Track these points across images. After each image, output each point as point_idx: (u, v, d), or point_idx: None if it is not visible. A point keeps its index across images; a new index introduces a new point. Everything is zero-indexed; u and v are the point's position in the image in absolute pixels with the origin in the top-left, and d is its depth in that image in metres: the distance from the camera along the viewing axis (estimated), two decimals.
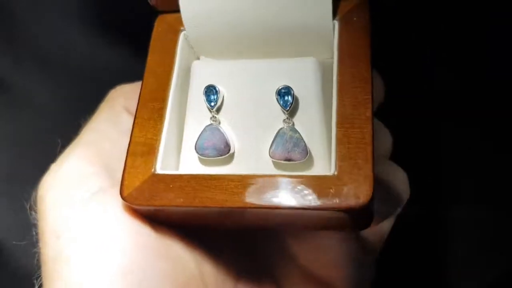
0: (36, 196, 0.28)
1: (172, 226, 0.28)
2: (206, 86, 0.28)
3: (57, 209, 0.26)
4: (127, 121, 0.29)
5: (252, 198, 0.24)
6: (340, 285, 0.31)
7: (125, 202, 0.26)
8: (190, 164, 0.28)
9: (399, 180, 0.30)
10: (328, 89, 0.27)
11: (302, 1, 0.27)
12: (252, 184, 0.25)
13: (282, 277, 0.31)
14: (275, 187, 0.24)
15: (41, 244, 0.27)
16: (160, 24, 0.30)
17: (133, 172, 0.26)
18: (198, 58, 0.31)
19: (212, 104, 0.28)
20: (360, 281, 0.32)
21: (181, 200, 0.25)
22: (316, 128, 0.27)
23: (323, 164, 0.26)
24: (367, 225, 0.26)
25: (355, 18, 0.28)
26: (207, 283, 0.28)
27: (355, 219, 0.25)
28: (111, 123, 0.30)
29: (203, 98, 0.28)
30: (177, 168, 0.28)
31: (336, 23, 0.28)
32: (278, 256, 0.32)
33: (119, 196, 0.26)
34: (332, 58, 0.29)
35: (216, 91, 0.28)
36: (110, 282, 0.24)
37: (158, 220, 0.27)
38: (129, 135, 0.28)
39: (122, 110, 0.30)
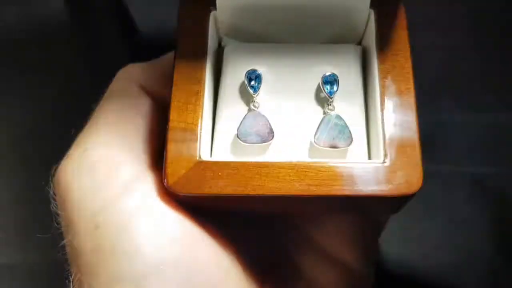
0: (56, 183, 0.26)
1: (207, 212, 0.27)
2: (248, 71, 0.27)
3: (90, 196, 0.25)
4: (147, 103, 0.28)
5: (305, 185, 0.24)
6: (355, 263, 0.31)
7: (164, 189, 0.25)
8: (230, 150, 0.27)
9: None
10: (367, 77, 0.28)
11: None
12: (304, 171, 0.24)
13: (301, 259, 0.31)
14: (327, 174, 0.24)
15: (70, 236, 0.25)
16: (187, 3, 0.28)
17: (176, 159, 0.25)
18: (221, 39, 0.30)
19: (255, 89, 0.27)
20: (371, 257, 0.33)
21: (233, 188, 0.24)
22: (356, 115, 0.27)
23: (365, 151, 0.27)
24: (401, 209, 0.27)
25: (390, 8, 0.28)
26: (241, 270, 0.27)
27: (400, 204, 0.26)
28: (130, 104, 0.28)
29: (245, 82, 0.27)
30: (211, 154, 0.27)
31: (372, 11, 0.28)
32: (297, 240, 0.31)
33: (155, 182, 0.25)
34: (361, 45, 0.29)
35: (259, 76, 0.27)
36: (162, 273, 0.23)
37: (196, 206, 0.26)
38: (148, 116, 0.27)
39: (139, 90, 0.29)
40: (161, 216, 0.24)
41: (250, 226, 0.30)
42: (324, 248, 0.31)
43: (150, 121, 0.28)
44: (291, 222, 0.32)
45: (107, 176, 0.25)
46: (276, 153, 0.27)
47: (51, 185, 0.26)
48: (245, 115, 0.27)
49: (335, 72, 0.27)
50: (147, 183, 0.25)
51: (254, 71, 0.27)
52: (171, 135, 0.25)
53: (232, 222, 0.29)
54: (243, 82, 0.27)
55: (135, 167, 0.26)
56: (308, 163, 0.25)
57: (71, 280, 0.25)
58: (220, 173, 0.25)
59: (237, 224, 0.30)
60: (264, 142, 0.26)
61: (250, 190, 0.24)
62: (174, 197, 0.25)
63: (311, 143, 0.26)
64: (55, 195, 0.26)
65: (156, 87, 0.29)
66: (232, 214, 0.28)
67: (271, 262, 0.30)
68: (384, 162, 0.25)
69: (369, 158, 0.27)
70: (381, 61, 0.27)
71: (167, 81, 0.28)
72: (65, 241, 0.25)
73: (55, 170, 0.26)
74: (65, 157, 0.26)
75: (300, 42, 0.29)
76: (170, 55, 0.30)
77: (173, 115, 0.26)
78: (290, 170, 0.24)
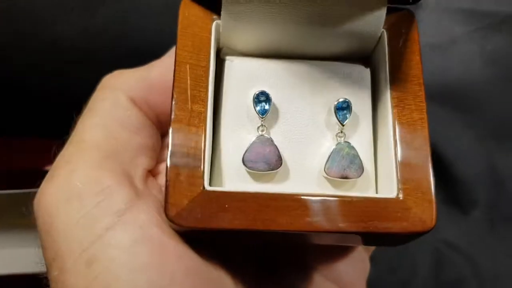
0: (37, 207, 0.24)
1: (209, 245, 0.25)
2: (257, 93, 0.25)
3: (80, 229, 0.22)
4: (136, 116, 0.26)
5: (317, 221, 0.23)
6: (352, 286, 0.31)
7: (167, 221, 0.23)
8: (236, 178, 0.25)
9: None
10: (377, 103, 0.26)
11: (356, 3, 0.25)
12: (315, 205, 0.23)
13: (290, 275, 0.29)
14: (339, 209, 0.23)
15: (56, 271, 0.22)
16: (187, 9, 0.26)
17: (178, 187, 0.23)
18: (220, 49, 0.27)
19: (263, 113, 0.25)
20: (364, 279, 0.32)
21: (241, 222, 0.23)
22: (366, 143, 0.26)
23: (373, 182, 0.26)
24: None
25: (403, 30, 0.26)
26: None
27: (410, 239, 0.25)
28: (117, 118, 0.26)
29: (252, 104, 0.25)
30: (210, 181, 0.25)
31: (385, 31, 0.26)
32: (298, 271, 0.30)
33: (150, 210, 0.23)
34: (370, 63, 0.27)
35: (268, 98, 0.25)
36: None
37: (197, 238, 0.24)
38: (139, 131, 0.25)
39: (128, 102, 0.26)
40: (160, 250, 0.22)
41: (256, 258, 0.29)
42: (325, 274, 0.30)
43: (141, 137, 0.26)
44: (294, 252, 0.30)
45: (98, 204, 0.23)
46: (283, 181, 0.25)
47: (30, 208, 0.24)
48: (253, 141, 0.25)
49: (347, 97, 0.25)
50: (143, 212, 0.23)
51: (263, 92, 0.25)
52: (173, 160, 0.23)
53: (239, 254, 0.27)
54: (249, 102, 0.25)
55: (127, 192, 0.23)
56: (321, 197, 0.23)
57: None
58: (227, 205, 0.23)
59: (244, 256, 0.28)
60: (272, 170, 0.24)
61: (259, 225, 0.23)
62: (174, 229, 0.23)
63: (320, 172, 0.25)
64: (35, 220, 0.24)
65: (147, 98, 0.27)
66: (237, 248, 0.27)
67: None
68: (397, 197, 0.23)
69: (376, 189, 0.26)
70: (393, 88, 0.25)
71: (161, 92, 0.26)
72: (49, 275, 0.23)
73: (36, 192, 0.24)
74: (47, 178, 0.24)
75: (306, 54, 0.27)
76: (161, 61, 0.28)
77: (175, 139, 0.23)
78: (301, 204, 0.23)
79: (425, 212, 0.23)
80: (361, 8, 0.25)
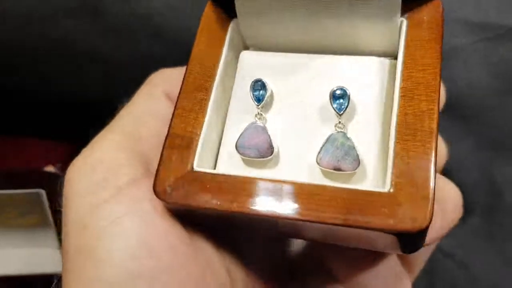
0: (65, 179, 0.26)
1: (203, 226, 0.26)
2: (254, 80, 0.25)
3: (84, 196, 0.24)
4: (167, 108, 0.28)
5: (294, 209, 0.22)
6: None
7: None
8: (228, 162, 0.26)
9: (452, 197, 0.29)
10: (388, 94, 0.25)
11: None
12: (296, 192, 0.23)
13: (312, 283, 0.30)
14: (320, 198, 0.22)
15: (63, 234, 0.25)
16: (210, 10, 0.28)
17: (168, 166, 0.24)
18: (247, 49, 0.28)
19: (259, 100, 0.25)
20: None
21: (218, 203, 0.23)
22: (370, 136, 0.24)
23: (376, 178, 0.24)
24: (417, 249, 0.24)
25: (425, 17, 0.25)
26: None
27: (407, 242, 0.23)
28: (149, 109, 0.28)
29: (250, 93, 0.25)
30: (214, 165, 0.26)
31: (404, 21, 0.25)
32: (316, 271, 0.30)
33: (150, 189, 0.24)
34: (392, 58, 0.26)
35: (264, 86, 0.25)
36: (133, 284, 0.22)
37: (190, 219, 0.25)
38: (168, 124, 0.26)
39: (162, 95, 0.29)
40: (146, 224, 0.24)
41: (261, 244, 0.30)
42: (339, 277, 0.30)
43: (167, 125, 0.27)
44: (305, 244, 0.31)
45: (104, 178, 0.25)
46: (274, 170, 0.25)
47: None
48: (246, 127, 0.25)
49: (349, 87, 0.24)
50: (140, 190, 0.25)
51: (259, 80, 0.25)
52: (169, 142, 0.25)
53: (242, 240, 0.28)
54: (248, 91, 0.26)
55: (136, 171, 0.25)
56: (302, 184, 0.23)
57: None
58: (208, 186, 0.23)
59: (248, 242, 0.29)
60: (263, 157, 0.25)
61: (234, 207, 0.23)
62: (165, 206, 0.24)
63: (313, 162, 0.24)
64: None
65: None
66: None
67: (278, 284, 0.29)
68: (388, 191, 0.22)
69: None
70: (404, 77, 0.24)
71: None
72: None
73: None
74: (79, 154, 0.26)
75: (323, 50, 0.27)
76: None
77: (175, 122, 0.25)
78: (279, 190, 0.23)
79: (418, 210, 0.21)
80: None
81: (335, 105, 0.24)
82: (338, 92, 0.24)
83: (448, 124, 0.49)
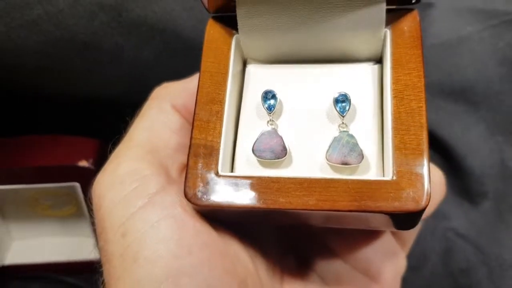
0: (93, 193, 0.28)
1: (227, 224, 0.28)
2: (264, 91, 0.28)
3: (120, 208, 0.27)
4: (176, 120, 0.30)
5: (314, 200, 0.25)
6: (379, 277, 0.33)
7: (187, 201, 0.26)
8: (246, 165, 0.28)
9: (435, 180, 0.31)
10: (380, 95, 0.29)
11: (356, 7, 0.28)
12: (313, 186, 0.26)
13: (325, 271, 0.33)
14: (335, 190, 0.25)
15: (102, 242, 0.27)
16: (212, 27, 0.30)
17: (195, 173, 0.27)
18: (245, 62, 0.31)
19: (270, 108, 0.28)
20: (395, 272, 0.34)
21: (246, 202, 0.26)
22: (370, 133, 0.28)
23: (377, 168, 0.28)
24: (415, 225, 0.27)
25: (406, 27, 0.29)
26: (261, 278, 0.29)
27: (408, 221, 0.27)
28: (161, 121, 0.30)
29: (261, 102, 0.28)
30: (231, 169, 0.29)
31: (388, 31, 0.29)
32: (319, 251, 0.33)
33: (178, 194, 0.27)
34: (375, 63, 0.30)
35: (274, 96, 0.28)
36: (178, 280, 0.25)
37: (215, 218, 0.28)
38: (178, 132, 0.29)
39: (170, 108, 0.31)
40: (181, 226, 0.26)
41: (277, 236, 0.33)
42: (346, 259, 0.33)
43: (179, 136, 0.30)
44: (314, 232, 0.33)
45: (135, 189, 0.27)
46: (289, 169, 0.28)
47: (90, 195, 0.29)
48: (260, 133, 0.28)
49: (349, 92, 0.28)
50: (170, 195, 0.27)
51: (269, 91, 0.28)
52: (193, 151, 0.27)
53: (261, 233, 0.31)
54: (259, 101, 0.29)
55: (161, 180, 0.28)
56: (318, 178, 0.26)
57: (101, 281, 0.27)
58: (235, 187, 0.26)
59: (265, 234, 0.32)
60: (278, 158, 0.27)
61: (262, 204, 0.26)
62: (194, 209, 0.27)
63: (323, 159, 0.27)
64: (91, 204, 0.29)
65: (186, 104, 0.31)
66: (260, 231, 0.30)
67: (293, 271, 0.32)
68: (392, 179, 0.25)
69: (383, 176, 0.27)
70: (394, 80, 0.27)
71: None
72: (98, 245, 0.28)
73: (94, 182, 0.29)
74: (102, 170, 0.29)
75: (320, 59, 0.30)
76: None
77: (195, 133, 0.28)
78: (300, 186, 0.26)
79: (418, 193, 0.25)
80: (361, 13, 0.28)
81: (338, 108, 0.28)
82: (340, 97, 0.28)
83: (459, 111, 0.51)
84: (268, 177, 0.26)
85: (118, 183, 0.27)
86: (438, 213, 0.48)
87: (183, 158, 0.30)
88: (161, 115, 0.30)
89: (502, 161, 0.50)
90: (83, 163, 0.51)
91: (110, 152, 0.30)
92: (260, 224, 0.30)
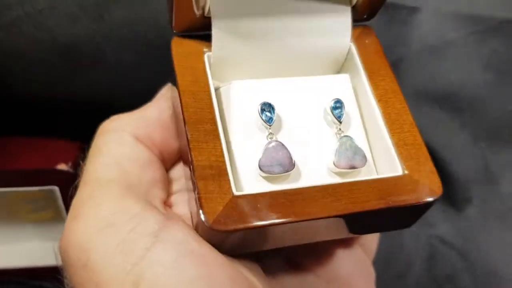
0: (66, 250, 0.24)
1: (234, 252, 0.26)
2: (261, 103, 0.27)
3: (120, 255, 0.23)
4: (143, 152, 0.28)
5: (344, 204, 0.25)
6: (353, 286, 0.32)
7: (209, 229, 0.24)
8: (252, 182, 0.27)
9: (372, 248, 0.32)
10: (359, 101, 0.30)
11: (325, 25, 0.29)
12: (338, 191, 0.25)
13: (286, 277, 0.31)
14: (360, 191, 0.26)
15: None
16: (179, 46, 0.29)
17: (210, 197, 0.24)
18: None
19: (269, 121, 0.27)
20: (367, 279, 0.33)
21: (276, 216, 0.24)
22: (360, 136, 0.29)
23: (373, 168, 0.28)
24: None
25: (367, 41, 0.30)
26: None
27: (423, 211, 0.27)
28: (127, 156, 0.27)
29: (259, 115, 0.27)
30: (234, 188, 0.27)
31: (352, 45, 0.30)
32: (288, 266, 0.31)
33: (185, 227, 0.25)
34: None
35: (272, 108, 0.27)
36: None
37: (227, 245, 0.25)
38: (147, 166, 0.27)
39: (133, 140, 0.28)
40: (204, 262, 0.23)
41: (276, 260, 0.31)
42: (322, 277, 0.32)
43: (151, 171, 0.28)
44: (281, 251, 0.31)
45: (132, 229, 0.24)
46: (297, 180, 0.27)
47: (57, 257, 0.25)
48: (265, 147, 0.26)
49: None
50: (178, 230, 0.24)
51: (266, 103, 0.27)
52: (198, 174, 0.25)
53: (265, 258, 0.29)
54: (253, 116, 0.27)
55: (156, 215, 0.25)
56: (340, 183, 0.26)
57: None
58: (258, 205, 0.24)
59: (268, 259, 0.30)
60: (287, 171, 0.26)
61: (293, 216, 0.24)
62: (212, 238, 0.25)
63: (329, 166, 0.27)
64: (63, 264, 0.25)
65: (149, 134, 0.28)
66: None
67: None
68: (404, 174, 0.26)
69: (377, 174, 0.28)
70: (373, 86, 0.29)
71: (159, 129, 0.28)
72: None
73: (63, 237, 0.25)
74: (71, 218, 0.25)
75: (291, 73, 0.30)
76: (154, 102, 0.30)
77: (195, 155, 0.25)
78: (325, 192, 0.25)
79: (432, 182, 0.26)
80: (327, 27, 0.30)
81: (335, 114, 0.28)
82: (336, 104, 0.28)
83: (443, 116, 0.51)
84: (290, 189, 0.25)
85: (107, 227, 0.24)
86: (423, 220, 0.47)
87: (160, 194, 0.27)
88: (124, 148, 0.27)
89: (486, 167, 0.50)
90: (62, 166, 0.49)
91: (71, 198, 0.26)
92: (275, 244, 0.28)
